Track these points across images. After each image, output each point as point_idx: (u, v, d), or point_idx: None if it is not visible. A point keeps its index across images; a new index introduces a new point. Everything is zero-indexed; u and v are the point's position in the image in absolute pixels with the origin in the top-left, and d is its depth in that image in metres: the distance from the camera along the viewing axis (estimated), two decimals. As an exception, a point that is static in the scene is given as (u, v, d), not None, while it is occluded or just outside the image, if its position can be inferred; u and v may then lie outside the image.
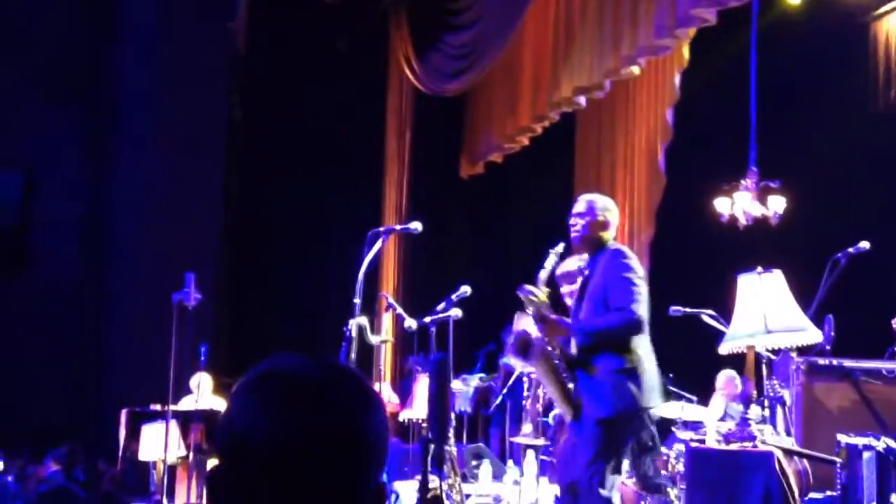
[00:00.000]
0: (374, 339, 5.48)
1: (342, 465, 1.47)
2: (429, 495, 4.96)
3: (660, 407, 4.94)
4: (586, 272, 5.09)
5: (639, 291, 4.80)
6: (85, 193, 10.95)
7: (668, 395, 5.40)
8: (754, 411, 4.82)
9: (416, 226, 5.54)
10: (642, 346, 4.86)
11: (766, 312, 4.80)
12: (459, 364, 9.36)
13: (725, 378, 8.31)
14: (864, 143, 9.43)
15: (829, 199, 9.22)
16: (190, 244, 10.35)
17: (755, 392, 5.10)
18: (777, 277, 5.00)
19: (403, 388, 9.78)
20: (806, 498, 5.21)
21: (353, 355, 5.03)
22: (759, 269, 5.03)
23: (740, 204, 8.64)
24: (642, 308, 4.78)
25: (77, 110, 10.96)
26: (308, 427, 1.46)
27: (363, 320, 5.21)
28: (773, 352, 5.77)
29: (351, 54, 11.76)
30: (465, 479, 7.08)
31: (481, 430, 9.64)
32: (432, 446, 5.09)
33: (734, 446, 4.65)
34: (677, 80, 9.78)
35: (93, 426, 9.62)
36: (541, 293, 4.98)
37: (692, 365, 7.63)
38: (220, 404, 9.09)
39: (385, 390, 8.60)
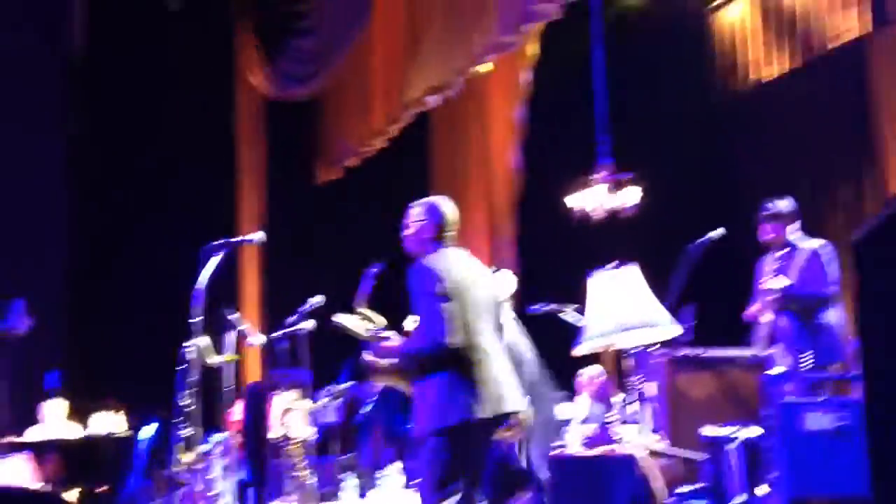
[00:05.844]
0: (215, 359, 5.24)
1: None
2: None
3: (515, 408, 4.72)
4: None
5: (439, 311, 4.52)
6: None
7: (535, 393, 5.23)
8: (614, 413, 4.78)
9: (256, 236, 5.24)
10: (478, 352, 4.59)
11: (620, 310, 4.75)
12: (326, 375, 9.18)
13: (588, 376, 8.32)
14: (709, 132, 9.61)
15: (680, 189, 9.35)
16: (34, 269, 9.89)
17: (619, 391, 5.07)
18: (632, 272, 4.95)
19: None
20: (675, 492, 5.21)
21: (193, 378, 4.77)
22: (614, 264, 4.97)
23: (595, 197, 8.69)
24: (445, 327, 4.49)
25: None
26: None
27: (203, 341, 4.96)
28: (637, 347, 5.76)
29: (197, 62, 11.43)
30: (331, 497, 6.93)
31: (352, 441, 9.45)
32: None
33: (597, 451, 4.59)
34: (527, 75, 9.79)
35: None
36: (352, 318, 4.76)
37: (556, 363, 7.59)
38: (74, 431, 8.72)
39: (237, 410, 8.35)
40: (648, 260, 6.39)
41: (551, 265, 9.80)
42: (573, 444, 5.30)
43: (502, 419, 4.59)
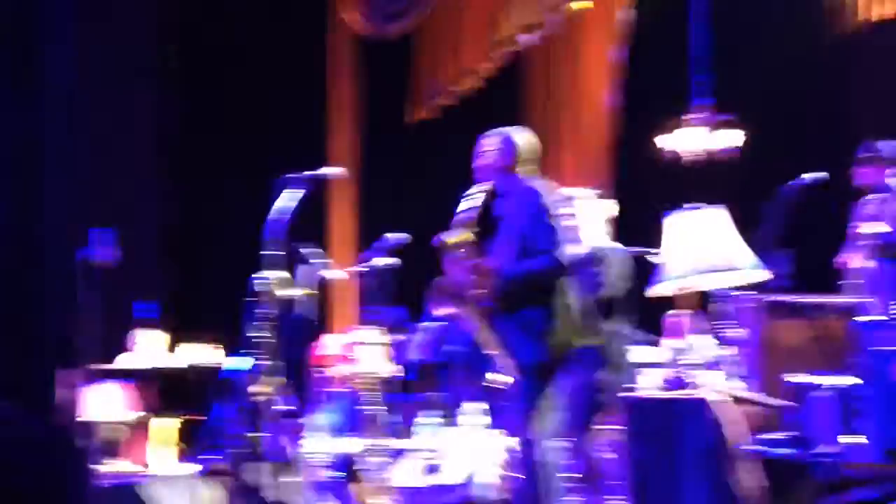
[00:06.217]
0: (289, 294, 5.22)
1: None
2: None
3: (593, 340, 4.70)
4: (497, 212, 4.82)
5: (559, 233, 4.54)
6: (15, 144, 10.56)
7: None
8: (694, 356, 4.65)
9: (332, 171, 5.18)
10: (567, 286, 4.61)
11: (700, 251, 4.58)
12: (412, 312, 9.17)
13: (673, 318, 8.12)
14: (815, 73, 9.28)
15: (783, 131, 9.07)
16: (127, 201, 10.05)
17: (691, 334, 4.93)
18: (719, 213, 4.77)
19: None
20: (759, 438, 5.06)
21: (270, 312, 4.76)
22: (695, 205, 4.81)
23: (691, 139, 8.48)
24: (565, 250, 4.53)
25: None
26: None
27: (278, 274, 4.91)
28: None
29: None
30: (409, 434, 6.92)
31: (437, 379, 9.45)
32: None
33: (669, 394, 4.46)
34: (624, 14, 9.58)
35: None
36: (459, 236, 4.69)
37: (648, 305, 7.45)
38: (168, 361, 8.87)
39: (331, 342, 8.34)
40: (748, 203, 6.18)
41: (646, 207, 9.59)
42: (649, 386, 5.20)
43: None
